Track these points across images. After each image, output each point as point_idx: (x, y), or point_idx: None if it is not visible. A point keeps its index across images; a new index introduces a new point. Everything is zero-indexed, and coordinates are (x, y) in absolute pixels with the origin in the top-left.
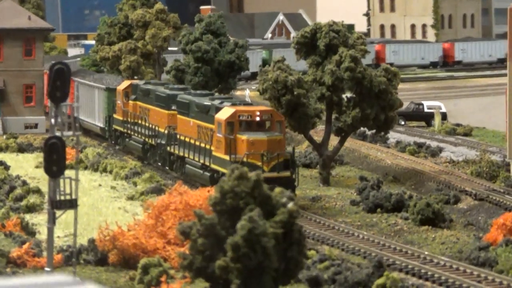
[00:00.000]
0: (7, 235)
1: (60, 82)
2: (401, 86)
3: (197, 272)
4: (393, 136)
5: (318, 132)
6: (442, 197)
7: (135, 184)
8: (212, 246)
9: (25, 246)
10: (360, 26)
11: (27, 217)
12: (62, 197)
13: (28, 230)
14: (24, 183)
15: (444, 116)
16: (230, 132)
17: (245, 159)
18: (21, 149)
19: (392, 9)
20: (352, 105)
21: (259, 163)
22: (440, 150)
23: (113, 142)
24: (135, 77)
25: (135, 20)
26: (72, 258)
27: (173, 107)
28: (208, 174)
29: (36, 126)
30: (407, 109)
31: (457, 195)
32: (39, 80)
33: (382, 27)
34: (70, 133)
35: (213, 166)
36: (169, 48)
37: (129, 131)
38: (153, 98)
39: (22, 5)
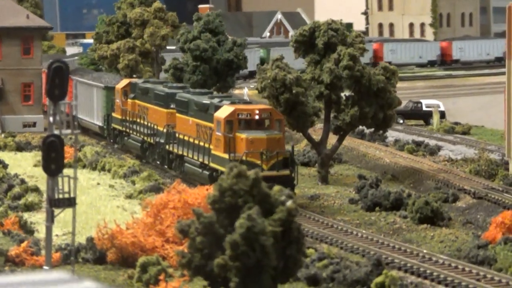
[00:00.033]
0: (6, 234)
1: (59, 80)
2: (399, 84)
3: (195, 270)
4: (391, 134)
5: (316, 131)
6: (440, 196)
7: (133, 182)
8: (211, 244)
9: (24, 244)
10: (359, 25)
11: (26, 215)
12: (61, 196)
13: (27, 229)
14: (23, 181)
15: (442, 115)
16: (229, 130)
17: (244, 158)
18: (19, 147)
19: (390, 8)
20: (350, 104)
21: (258, 162)
22: (439, 148)
23: (111, 140)
24: (134, 76)
25: (133, 19)
26: (70, 256)
27: (172, 106)
28: (207, 172)
29: (34, 124)
30: (405, 107)
31: (456, 194)
32: (37, 79)
33: (380, 25)
34: (69, 131)
35: (212, 165)
36: (168, 47)
37: (127, 130)
38: (152, 96)
39: (20, 4)
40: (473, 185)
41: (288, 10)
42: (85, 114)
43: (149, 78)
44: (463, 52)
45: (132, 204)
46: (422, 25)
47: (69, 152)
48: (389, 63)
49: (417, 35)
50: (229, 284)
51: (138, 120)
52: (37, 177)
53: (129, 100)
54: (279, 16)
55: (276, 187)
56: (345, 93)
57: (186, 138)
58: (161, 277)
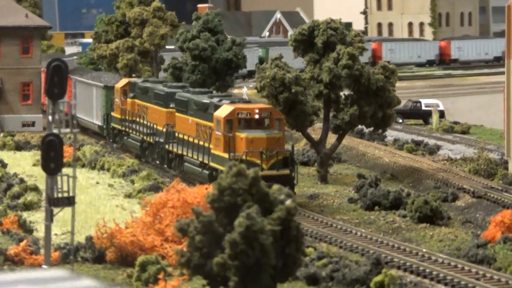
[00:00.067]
0: (5, 233)
1: (58, 79)
2: (398, 84)
3: (195, 269)
4: (391, 134)
5: (315, 130)
6: (440, 195)
7: (132, 182)
8: (210, 243)
9: (23, 243)
10: (358, 25)
11: (25, 214)
12: (60, 195)
13: (26, 228)
14: (22, 181)
15: (442, 114)
16: (229, 130)
17: (244, 157)
18: (19, 147)
19: (390, 7)
20: (349, 103)
21: (258, 161)
22: (438, 148)
23: (111, 140)
24: (133, 75)
25: (132, 18)
26: (69, 255)
27: (172, 105)
28: (207, 172)
29: (33, 124)
30: (404, 107)
31: (455, 193)
32: (36, 78)
33: (379, 25)
34: (68, 130)
35: (212, 164)
36: (167, 46)
37: (127, 129)
38: (152, 96)
39: (19, 3)
40: (473, 184)
41: (287, 9)
42: (84, 113)
43: (149, 78)
44: (461, 52)
45: (131, 203)
46: (421, 24)
47: (68, 151)
48: (388, 62)
49: (416, 34)
50: (228, 283)
51: (138, 120)
52: (36, 176)
53: (129, 100)
54: (278, 15)
55: (275, 186)
56: (344, 92)
57: (185, 137)
58: (160, 276)
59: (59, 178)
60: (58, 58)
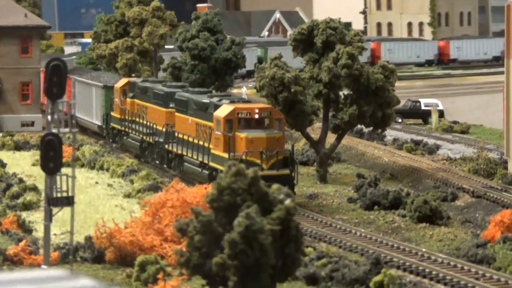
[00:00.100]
0: (4, 233)
1: (57, 79)
2: (397, 84)
3: (194, 269)
4: (390, 133)
5: (315, 130)
6: (439, 195)
7: (131, 181)
8: (209, 243)
9: (22, 243)
10: (357, 24)
11: (24, 214)
12: (59, 194)
13: (25, 228)
14: (21, 180)
15: (441, 114)
16: (229, 129)
17: (244, 157)
18: (18, 147)
19: (389, 7)
20: (349, 102)
21: (258, 161)
22: (438, 147)
23: (110, 140)
24: (133, 75)
25: (131, 18)
26: (68, 255)
27: (171, 105)
28: (206, 172)
29: (32, 124)
30: (404, 106)
31: (455, 193)
32: (35, 78)
33: (378, 25)
34: (67, 130)
35: (212, 164)
36: (166, 46)
37: (126, 129)
38: (151, 96)
39: (19, 3)
40: (472, 184)
41: (287, 9)
42: (84, 113)
43: (148, 77)
44: (460, 52)
45: (130, 203)
46: (421, 24)
47: (67, 151)
48: (387, 62)
49: (415, 34)
50: (228, 283)
51: (137, 120)
52: (36, 176)
53: (128, 99)
54: (277, 15)
55: (275, 186)
56: (344, 92)
57: (185, 137)
58: (160, 276)
59: (58, 178)
60: (57, 58)
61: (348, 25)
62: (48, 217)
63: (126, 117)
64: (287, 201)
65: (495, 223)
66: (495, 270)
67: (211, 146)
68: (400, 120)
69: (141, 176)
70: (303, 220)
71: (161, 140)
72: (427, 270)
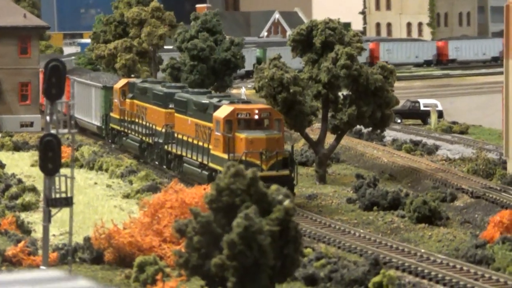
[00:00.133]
0: (3, 234)
1: (56, 79)
2: (397, 84)
3: (193, 270)
4: (389, 134)
5: (314, 130)
6: (438, 195)
7: (130, 182)
8: (208, 244)
9: (21, 244)
10: (356, 25)
11: (23, 215)
12: (58, 195)
13: (24, 229)
14: (20, 181)
15: (440, 114)
16: (229, 130)
17: (243, 158)
18: (17, 147)
19: (388, 7)
20: (348, 103)
21: (258, 162)
22: (437, 148)
23: (110, 141)
24: (132, 76)
25: (130, 18)
26: (67, 256)
27: (171, 106)
28: (206, 173)
29: (31, 124)
30: (403, 107)
31: (454, 193)
32: (34, 78)
33: (378, 25)
34: (66, 130)
35: (211, 165)
36: (165, 46)
37: (126, 130)
38: (150, 96)
39: (18, 3)
40: (471, 185)
41: (286, 9)
42: (83, 114)
43: (147, 78)
44: (459, 52)
45: (129, 203)
46: (420, 24)
47: (66, 152)
48: (386, 62)
49: (414, 34)
50: (227, 284)
51: (137, 120)
52: (34, 176)
53: (128, 100)
54: (276, 15)
55: (273, 186)
56: (343, 92)
57: (185, 138)
58: (159, 277)
59: (57, 178)
60: (56, 59)
61: (347, 25)
62: (47, 218)
63: (126, 118)
64: (286, 202)
65: (494, 224)
66: (494, 270)
67: (210, 146)
68: (399, 121)
69: (140, 177)
70: (302, 221)
71: (161, 141)
72: (426, 270)
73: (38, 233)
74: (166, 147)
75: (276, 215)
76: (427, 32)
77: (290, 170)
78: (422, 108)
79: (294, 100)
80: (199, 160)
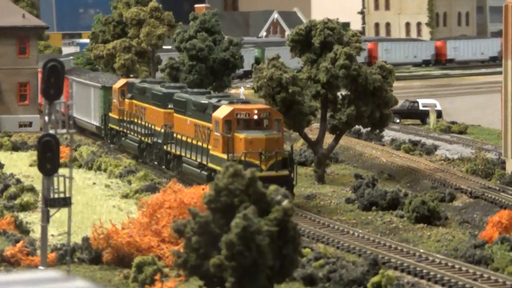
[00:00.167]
0: (1, 234)
1: (54, 80)
2: (395, 84)
3: (191, 270)
4: (388, 134)
5: (313, 130)
6: (437, 195)
7: (129, 182)
8: (207, 244)
9: (19, 244)
10: (355, 24)
11: (21, 215)
12: (56, 195)
13: (22, 229)
14: (18, 181)
15: (439, 114)
16: (228, 130)
17: (243, 158)
18: (15, 147)
19: (387, 7)
20: (347, 103)
21: (257, 162)
22: (435, 148)
23: (109, 141)
24: (131, 76)
25: (129, 18)
26: (66, 256)
27: (170, 106)
28: (205, 173)
29: (30, 124)
30: (402, 107)
31: (453, 193)
32: (33, 79)
33: (377, 25)
34: (64, 130)
35: (211, 165)
36: (164, 46)
37: (125, 130)
38: (150, 96)
39: (17, 4)
40: (470, 185)
41: (285, 9)
42: (82, 114)
43: (146, 78)
44: (457, 52)
45: (128, 203)
46: (419, 24)
47: (64, 152)
48: (384, 62)
49: (413, 34)
50: (225, 284)
51: (136, 120)
52: (33, 177)
53: (127, 100)
54: (275, 15)
55: (272, 187)
56: (342, 92)
57: (184, 138)
58: (157, 277)
59: (55, 178)
60: (55, 59)
61: (346, 25)
62: (46, 218)
63: (125, 118)
64: (285, 202)
65: (493, 224)
66: (493, 270)
67: (210, 147)
68: (398, 121)
69: (139, 177)
70: (300, 221)
71: (160, 141)
72: (424, 271)
73: (36, 233)
74: (165, 147)
75: (275, 215)
76: (426, 32)
77: (289, 170)
78: (421, 108)
79: (293, 100)
80: (198, 160)
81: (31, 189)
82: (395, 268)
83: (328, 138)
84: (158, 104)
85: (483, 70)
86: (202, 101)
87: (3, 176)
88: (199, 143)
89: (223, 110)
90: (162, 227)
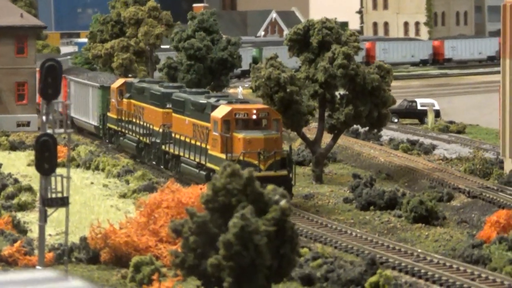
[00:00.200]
0: None
1: (52, 79)
2: (393, 83)
3: (189, 270)
4: (386, 133)
5: (311, 130)
6: (435, 195)
7: (127, 182)
8: (204, 244)
9: (17, 244)
10: (353, 24)
11: (19, 215)
12: (54, 195)
13: (20, 228)
14: (16, 181)
15: (437, 114)
16: (227, 130)
17: (241, 158)
18: (13, 147)
19: (385, 6)
20: (345, 102)
21: (256, 162)
22: (434, 147)
23: (107, 141)
24: (129, 75)
25: (127, 18)
26: (63, 256)
27: (168, 106)
28: (204, 173)
29: (28, 124)
30: (400, 106)
31: (451, 193)
32: (31, 78)
33: (375, 24)
34: (62, 130)
35: (209, 165)
36: (162, 46)
37: (123, 130)
38: (148, 96)
39: (15, 3)
40: (468, 184)
41: (283, 9)
42: (80, 114)
43: (145, 78)
44: (455, 51)
45: (126, 203)
46: (417, 24)
47: (62, 151)
48: (382, 62)
49: (412, 34)
50: (223, 284)
51: (134, 120)
52: (31, 176)
53: (125, 100)
54: (273, 15)
55: (270, 186)
56: (340, 92)
57: (182, 138)
58: (155, 277)
59: (53, 178)
60: (52, 58)
61: (344, 24)
62: (43, 218)
63: (123, 118)
64: (282, 202)
65: (491, 224)
66: (490, 270)
67: (208, 147)
68: (396, 120)
69: (137, 177)
70: (298, 221)
71: (158, 141)
72: (422, 270)
73: (34, 233)
74: (163, 147)
75: (272, 215)
76: (424, 31)
77: (288, 170)
78: (419, 107)
79: (291, 99)
80: (197, 160)
81: (29, 189)
82: (393, 268)
83: (326, 138)
84: (156, 104)
85: (481, 70)
86: (201, 101)
87: (1, 176)
88: (198, 143)
89: (222, 110)
90: (160, 227)
